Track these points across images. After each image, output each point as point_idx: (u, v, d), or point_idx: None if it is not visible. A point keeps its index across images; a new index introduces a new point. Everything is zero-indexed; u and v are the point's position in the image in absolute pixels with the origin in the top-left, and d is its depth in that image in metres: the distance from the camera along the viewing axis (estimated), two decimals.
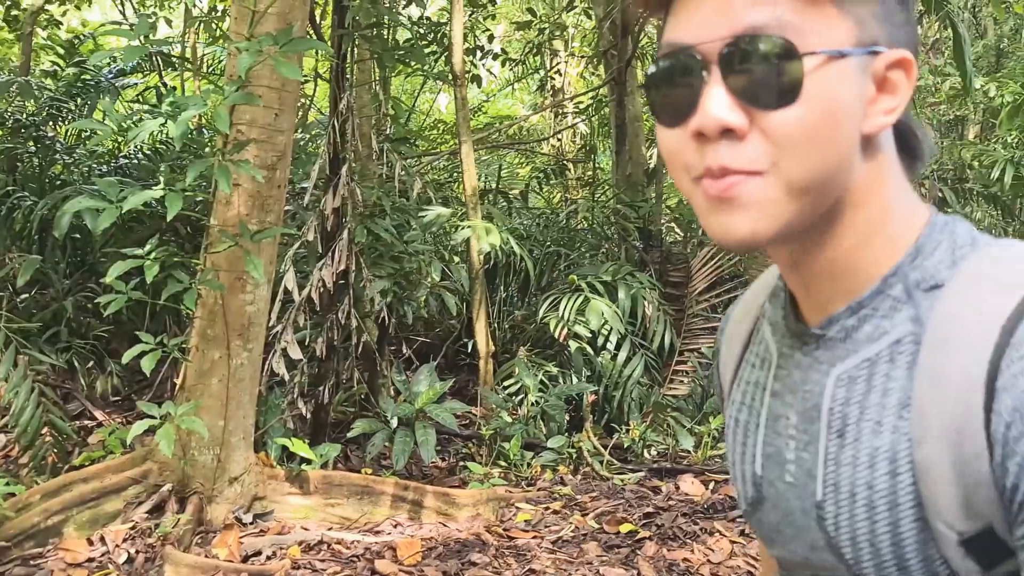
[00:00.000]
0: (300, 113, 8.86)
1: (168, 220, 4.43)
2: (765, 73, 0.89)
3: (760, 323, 1.19)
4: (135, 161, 7.95)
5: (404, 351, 7.77)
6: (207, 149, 4.95)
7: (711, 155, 0.93)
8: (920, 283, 0.97)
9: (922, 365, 0.94)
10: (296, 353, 6.12)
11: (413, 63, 7.63)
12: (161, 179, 4.39)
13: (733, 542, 5.17)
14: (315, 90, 10.78)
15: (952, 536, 0.92)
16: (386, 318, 6.80)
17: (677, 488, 6.21)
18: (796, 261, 1.02)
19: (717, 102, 0.91)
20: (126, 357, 4.60)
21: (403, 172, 7.09)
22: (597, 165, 13.36)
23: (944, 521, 0.92)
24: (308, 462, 5.62)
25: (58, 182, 7.60)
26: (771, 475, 1.10)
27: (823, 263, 1.00)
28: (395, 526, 5.44)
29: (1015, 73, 11.34)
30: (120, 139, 8.21)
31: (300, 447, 5.59)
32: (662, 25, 1.00)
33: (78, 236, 7.53)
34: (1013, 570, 0.92)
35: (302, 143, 8.92)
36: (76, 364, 6.90)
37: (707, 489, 6.16)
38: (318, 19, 7.22)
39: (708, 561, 4.93)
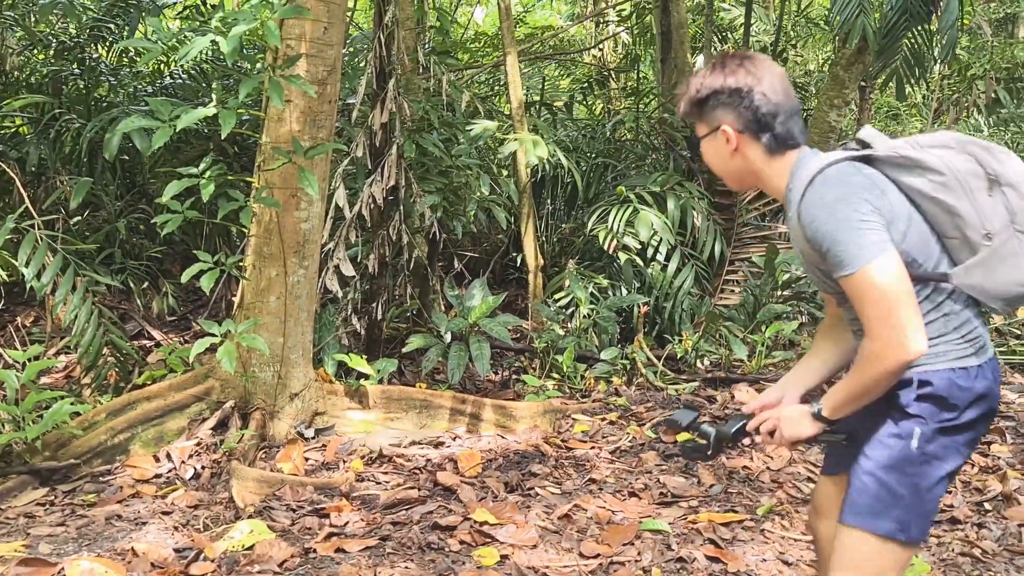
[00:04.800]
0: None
1: (219, 139, 4.40)
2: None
3: None
4: (180, 81, 7.89)
5: (455, 266, 7.76)
6: (256, 66, 4.87)
7: None
8: (792, 191, 2.42)
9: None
10: (348, 270, 6.13)
11: None
12: (213, 97, 4.34)
13: (792, 449, 5.15)
14: (354, 4, 10.61)
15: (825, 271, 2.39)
16: (436, 233, 6.78)
17: (732, 397, 6.20)
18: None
19: None
20: (185, 276, 4.62)
21: (449, 85, 6.99)
22: (641, 74, 13.12)
23: (819, 268, 2.43)
24: (365, 377, 5.66)
25: (103, 104, 7.58)
26: None
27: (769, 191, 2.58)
28: (454, 439, 5.49)
29: None
30: (164, 59, 8.15)
31: (358, 362, 5.63)
32: None
33: (127, 158, 7.54)
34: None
35: (346, 58, 8.81)
36: (131, 285, 6.97)
37: None
38: None
39: (768, 468, 4.93)
